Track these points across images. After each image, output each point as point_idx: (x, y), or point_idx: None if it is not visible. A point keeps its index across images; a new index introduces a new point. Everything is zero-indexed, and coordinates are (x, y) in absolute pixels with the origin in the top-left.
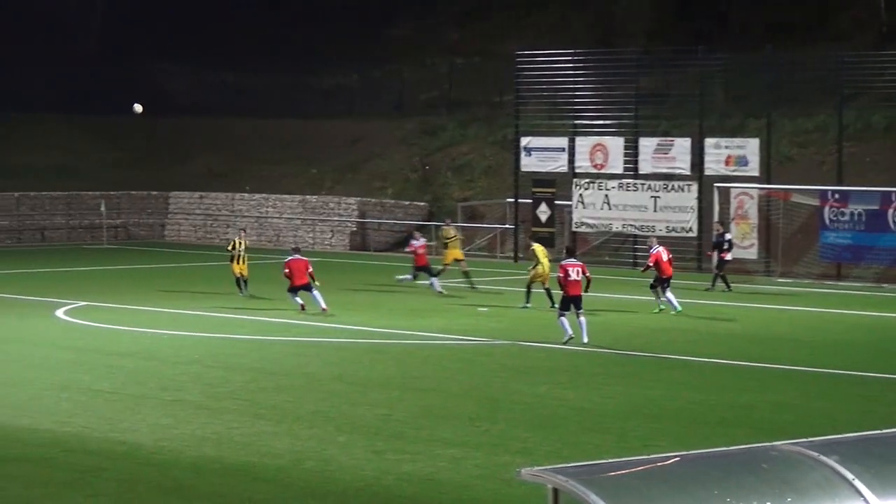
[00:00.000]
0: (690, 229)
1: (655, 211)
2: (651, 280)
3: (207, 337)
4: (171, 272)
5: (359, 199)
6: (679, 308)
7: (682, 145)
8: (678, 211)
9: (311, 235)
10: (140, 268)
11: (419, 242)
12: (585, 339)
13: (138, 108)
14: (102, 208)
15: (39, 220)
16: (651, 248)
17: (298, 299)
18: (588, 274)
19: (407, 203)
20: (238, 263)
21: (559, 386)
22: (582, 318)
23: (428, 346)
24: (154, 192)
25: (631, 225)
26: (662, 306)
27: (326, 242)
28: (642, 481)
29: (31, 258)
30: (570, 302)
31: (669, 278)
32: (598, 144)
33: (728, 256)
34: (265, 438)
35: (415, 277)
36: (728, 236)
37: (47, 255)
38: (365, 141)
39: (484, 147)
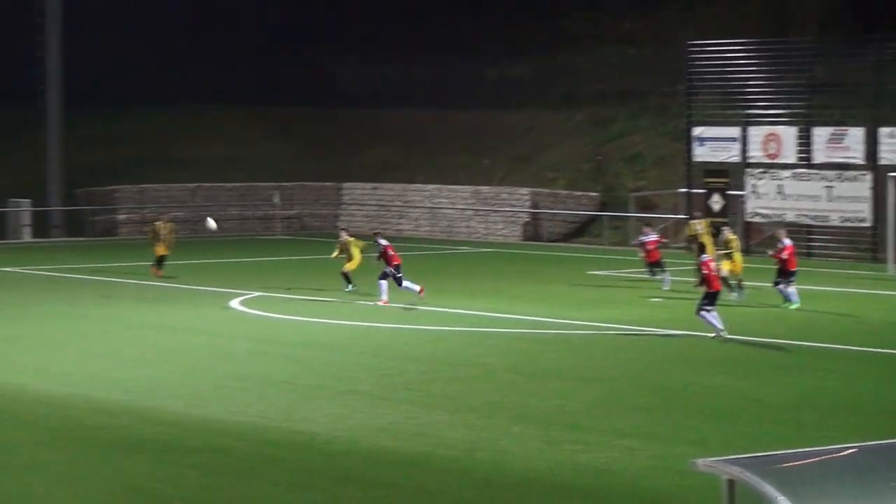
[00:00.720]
0: (865, 219)
1: (829, 201)
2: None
3: (382, 327)
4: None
5: (531, 189)
6: (797, 302)
7: (856, 135)
8: (852, 201)
9: (483, 226)
10: (314, 258)
11: (650, 237)
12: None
13: (212, 223)
14: (276, 199)
15: (214, 211)
16: (781, 240)
17: (412, 284)
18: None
19: (579, 194)
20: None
21: (733, 376)
22: (716, 311)
23: (601, 337)
24: (327, 183)
25: (804, 215)
26: (793, 305)
27: (499, 233)
28: (818, 472)
29: (205, 249)
30: (715, 297)
31: (794, 272)
32: (771, 134)
33: None
34: (440, 429)
35: (653, 273)
36: None
37: (222, 245)
38: (537, 131)
39: (656, 137)
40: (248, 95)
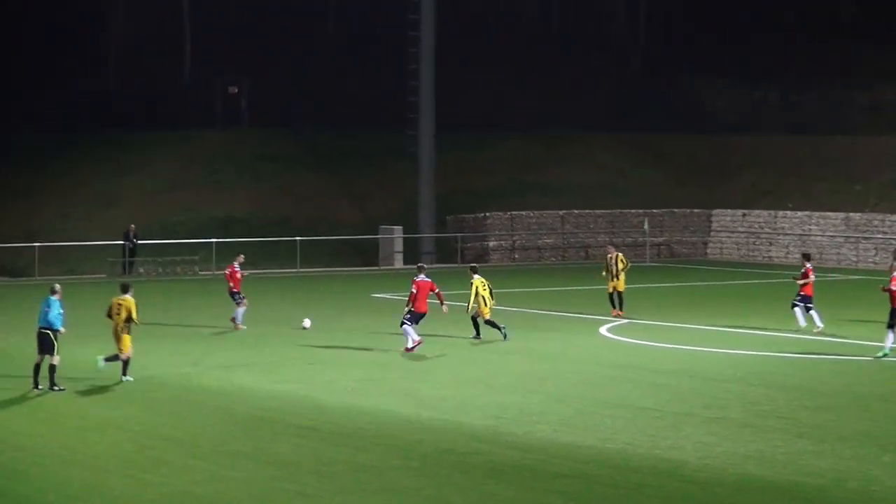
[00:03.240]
0: None
1: None
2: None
3: (751, 355)
4: (714, 290)
5: None
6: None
7: None
8: None
9: (854, 253)
10: (683, 285)
11: None
12: None
13: (307, 323)
14: (646, 226)
15: (583, 238)
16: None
17: (413, 333)
18: None
19: None
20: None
21: None
22: None
23: None
24: (696, 210)
25: None
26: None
27: (870, 260)
28: None
29: (575, 275)
30: None
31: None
32: None
33: None
34: (807, 457)
35: None
36: None
37: (590, 272)
38: None
39: None
40: (621, 122)
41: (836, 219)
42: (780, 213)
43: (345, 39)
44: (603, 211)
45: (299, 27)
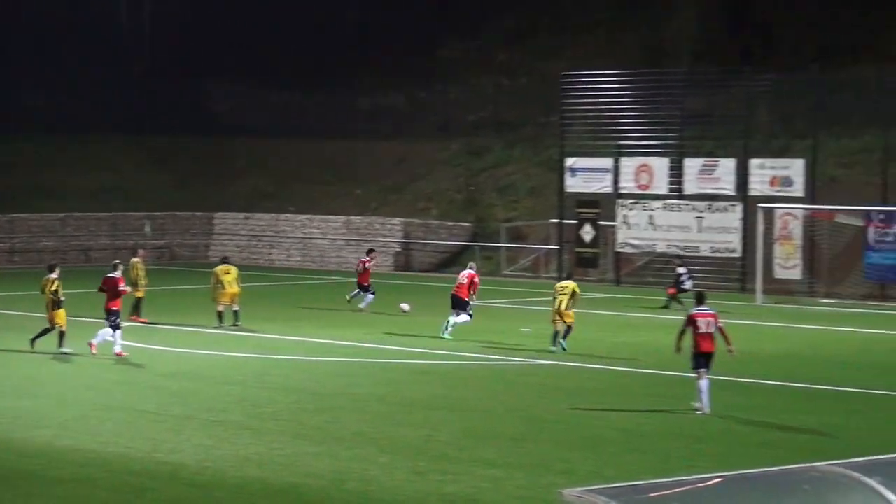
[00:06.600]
0: (734, 250)
1: (699, 231)
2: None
3: (253, 357)
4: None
5: (403, 219)
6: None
7: (727, 166)
8: (722, 231)
9: (355, 256)
10: (184, 288)
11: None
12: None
13: (406, 307)
14: (147, 229)
15: (84, 241)
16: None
17: (98, 339)
18: (720, 324)
19: (451, 224)
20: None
21: (603, 406)
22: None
23: (472, 367)
24: (199, 213)
25: (675, 245)
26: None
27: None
28: (685, 502)
29: (75, 279)
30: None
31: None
32: (643, 165)
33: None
34: (307, 459)
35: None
36: None
37: (92, 275)
38: (410, 161)
39: (529, 167)
40: (124, 124)
41: (336, 222)
42: (283, 216)
43: None
44: (105, 214)
45: None
